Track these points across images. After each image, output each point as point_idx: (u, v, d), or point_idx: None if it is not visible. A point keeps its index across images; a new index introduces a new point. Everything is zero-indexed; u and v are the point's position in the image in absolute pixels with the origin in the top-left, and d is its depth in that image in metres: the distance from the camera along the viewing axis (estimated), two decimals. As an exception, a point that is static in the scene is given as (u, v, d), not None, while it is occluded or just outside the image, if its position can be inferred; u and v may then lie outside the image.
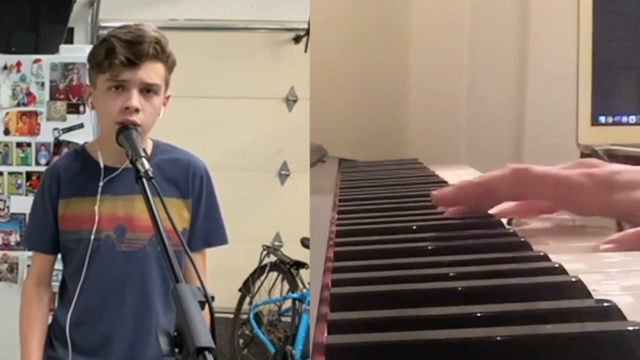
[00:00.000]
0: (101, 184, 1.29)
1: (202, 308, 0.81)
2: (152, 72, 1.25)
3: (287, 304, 2.98)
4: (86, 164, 1.32)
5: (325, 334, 0.51)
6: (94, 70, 1.28)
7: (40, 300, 1.37)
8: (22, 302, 1.38)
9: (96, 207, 1.29)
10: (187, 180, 1.33)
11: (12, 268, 2.78)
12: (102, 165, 1.30)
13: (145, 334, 1.31)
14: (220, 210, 1.39)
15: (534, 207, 0.92)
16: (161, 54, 1.26)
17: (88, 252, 1.29)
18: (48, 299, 1.38)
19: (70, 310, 1.31)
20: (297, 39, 3.31)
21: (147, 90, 1.25)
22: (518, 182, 0.85)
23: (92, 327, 1.32)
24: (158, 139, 1.36)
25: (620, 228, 0.83)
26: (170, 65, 1.29)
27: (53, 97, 2.77)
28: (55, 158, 2.70)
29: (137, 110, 1.23)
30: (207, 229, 1.37)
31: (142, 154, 1.13)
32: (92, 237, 1.28)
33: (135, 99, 1.23)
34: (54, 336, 1.35)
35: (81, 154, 1.35)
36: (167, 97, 1.31)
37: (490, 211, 0.90)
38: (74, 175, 1.33)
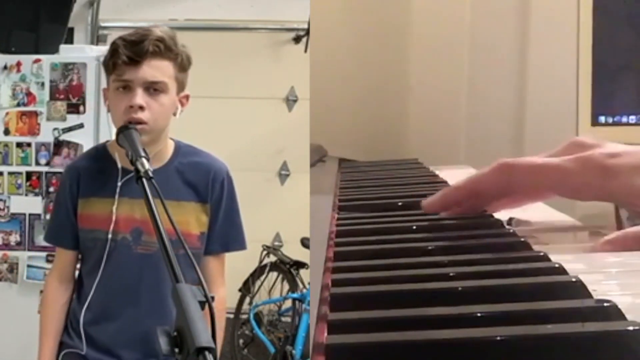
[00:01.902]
0: (119, 183, 1.30)
1: (202, 308, 0.81)
2: (155, 70, 1.26)
3: (287, 304, 2.98)
4: (105, 164, 1.33)
5: (325, 334, 0.51)
6: (106, 73, 1.31)
7: (60, 299, 1.38)
8: (43, 298, 1.41)
9: (114, 208, 1.29)
10: (207, 185, 1.34)
11: (12, 268, 2.78)
12: (119, 165, 1.31)
13: None
14: (240, 215, 1.39)
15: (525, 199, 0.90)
16: (166, 51, 1.26)
17: (105, 252, 1.30)
18: (70, 294, 1.40)
19: (84, 308, 1.33)
20: (297, 39, 3.31)
21: (154, 88, 1.26)
22: (503, 177, 0.83)
23: (108, 325, 1.33)
24: (180, 141, 1.36)
25: (619, 226, 0.83)
26: (180, 64, 1.29)
27: (53, 97, 2.77)
28: (56, 158, 2.70)
29: (141, 108, 1.24)
30: (226, 234, 1.37)
31: (142, 153, 1.14)
32: (109, 237, 1.29)
33: (139, 97, 1.24)
34: (70, 326, 1.37)
35: (102, 152, 1.36)
36: (186, 97, 1.32)
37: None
38: (93, 175, 1.34)
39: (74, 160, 1.57)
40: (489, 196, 0.87)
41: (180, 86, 1.30)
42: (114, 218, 1.30)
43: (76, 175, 1.35)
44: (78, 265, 1.41)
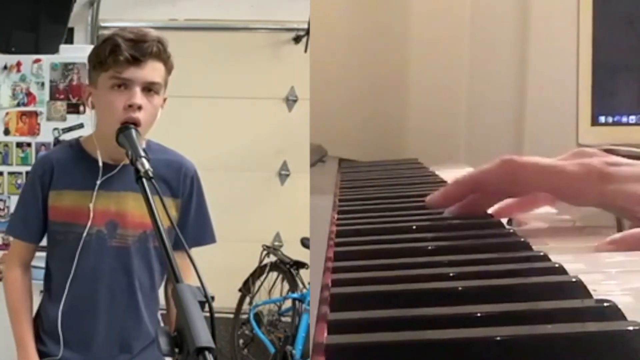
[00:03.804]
0: (98, 182, 1.29)
1: (202, 308, 0.81)
2: (154, 71, 1.26)
3: (287, 304, 2.98)
4: (82, 159, 1.33)
5: (325, 334, 0.51)
6: (95, 69, 1.28)
7: (27, 284, 1.38)
8: (9, 289, 1.37)
9: (91, 205, 1.29)
10: (179, 181, 1.35)
11: (12, 268, 2.78)
12: (100, 163, 1.30)
13: (132, 328, 1.34)
14: (208, 210, 1.41)
15: (529, 202, 0.91)
16: (163, 53, 1.27)
17: (80, 246, 1.29)
18: (31, 283, 1.39)
19: (62, 305, 1.31)
20: (297, 39, 3.31)
21: (149, 89, 1.25)
22: (507, 174, 0.84)
23: (82, 322, 1.32)
24: (151, 139, 1.36)
25: (619, 227, 0.83)
26: (169, 67, 1.30)
27: (53, 97, 2.77)
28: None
29: (139, 108, 1.23)
30: (198, 228, 1.38)
31: (142, 154, 1.13)
32: (86, 232, 1.29)
33: (139, 97, 1.23)
34: (42, 330, 1.35)
35: (76, 148, 1.36)
36: (164, 99, 1.31)
37: (489, 210, 0.89)
38: (68, 167, 1.33)
39: (46, 152, 1.56)
40: (491, 192, 0.87)
41: (165, 88, 1.31)
42: (91, 215, 1.29)
43: (49, 167, 1.33)
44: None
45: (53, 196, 1.32)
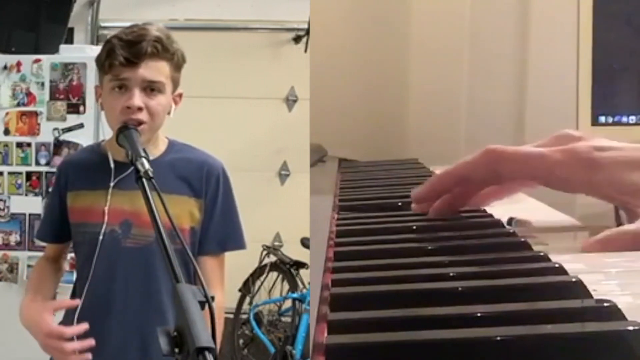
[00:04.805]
0: (112, 184, 1.29)
1: (202, 308, 0.81)
2: (154, 70, 1.24)
3: (287, 304, 2.98)
4: (100, 159, 1.32)
5: (325, 334, 0.51)
6: (100, 72, 1.29)
7: (47, 266, 1.40)
8: (34, 267, 1.47)
9: (106, 208, 1.28)
10: (201, 180, 1.31)
11: (12, 268, 2.78)
12: (112, 165, 1.29)
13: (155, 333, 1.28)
14: (238, 213, 1.36)
15: (507, 188, 0.89)
16: (163, 52, 1.25)
17: (97, 247, 1.27)
18: (55, 267, 1.41)
19: (79, 308, 1.28)
20: (297, 39, 3.31)
21: (151, 88, 1.25)
22: (491, 164, 0.82)
23: (95, 325, 1.26)
24: (175, 139, 1.36)
25: (617, 219, 0.82)
26: (176, 63, 1.28)
27: (53, 97, 2.77)
28: (56, 158, 2.70)
29: (140, 109, 1.23)
30: (223, 232, 1.34)
31: (142, 153, 1.13)
32: (102, 232, 1.27)
33: (137, 98, 1.23)
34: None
35: (96, 149, 1.36)
36: (179, 95, 1.31)
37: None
38: (85, 168, 1.33)
39: (68, 155, 1.61)
40: (476, 182, 0.86)
41: (175, 85, 1.29)
42: (106, 219, 1.27)
43: (65, 169, 1.35)
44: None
45: (71, 197, 1.32)
